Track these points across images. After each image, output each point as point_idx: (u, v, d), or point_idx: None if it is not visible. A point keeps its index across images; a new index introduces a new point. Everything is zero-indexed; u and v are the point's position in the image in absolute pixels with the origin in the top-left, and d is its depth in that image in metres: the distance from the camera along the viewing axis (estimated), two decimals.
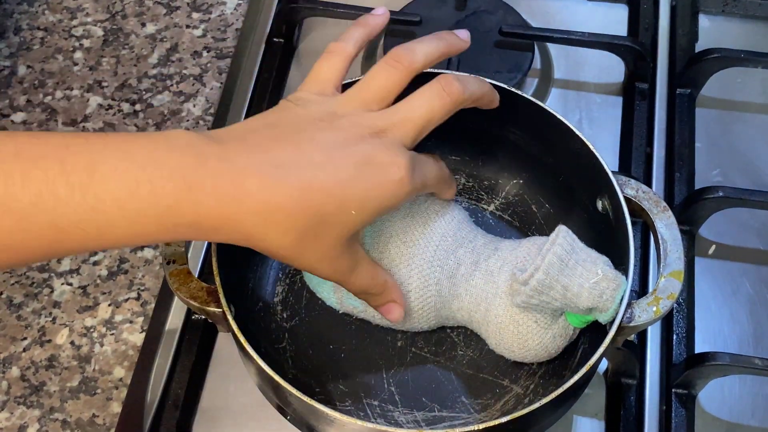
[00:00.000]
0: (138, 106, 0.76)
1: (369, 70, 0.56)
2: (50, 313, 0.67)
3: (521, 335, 0.58)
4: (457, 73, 0.58)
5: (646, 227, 0.68)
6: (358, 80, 0.56)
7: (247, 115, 0.76)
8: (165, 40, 0.80)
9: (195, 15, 0.82)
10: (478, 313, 0.59)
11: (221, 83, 0.78)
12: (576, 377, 0.53)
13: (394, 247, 0.59)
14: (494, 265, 0.59)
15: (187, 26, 0.81)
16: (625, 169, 0.72)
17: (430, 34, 0.59)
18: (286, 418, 0.58)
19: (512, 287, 0.57)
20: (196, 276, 0.59)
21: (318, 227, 0.50)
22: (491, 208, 0.68)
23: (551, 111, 0.62)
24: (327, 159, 0.50)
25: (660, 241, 0.58)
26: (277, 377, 0.53)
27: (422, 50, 0.56)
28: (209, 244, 0.67)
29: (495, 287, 0.58)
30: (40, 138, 0.46)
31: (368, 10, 0.77)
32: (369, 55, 0.79)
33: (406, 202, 0.56)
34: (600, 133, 0.75)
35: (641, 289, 0.67)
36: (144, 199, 0.46)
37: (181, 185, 0.46)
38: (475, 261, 0.59)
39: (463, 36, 0.59)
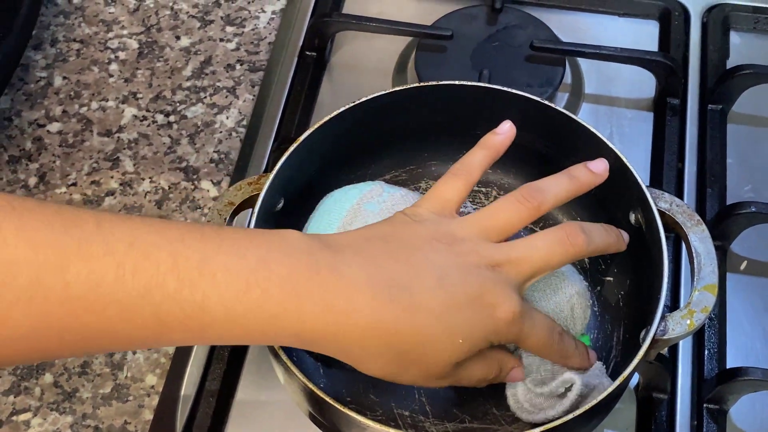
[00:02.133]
0: (172, 118, 0.77)
1: (496, 201, 0.55)
2: None
3: None
4: (584, 223, 0.56)
5: (677, 241, 0.68)
6: None
7: (279, 127, 0.76)
8: (199, 53, 0.81)
9: (229, 29, 0.83)
10: None
11: (254, 96, 0.78)
12: (608, 391, 0.53)
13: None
14: None
15: (221, 40, 0.82)
16: (656, 184, 0.72)
17: (565, 169, 0.57)
18: (318, 426, 0.59)
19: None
20: None
21: (422, 348, 0.49)
22: None
23: (585, 124, 0.62)
24: (439, 284, 0.49)
25: (694, 255, 0.57)
26: (310, 385, 0.53)
27: (553, 192, 0.55)
28: None
29: None
30: (156, 227, 0.45)
31: (401, 24, 0.79)
32: (400, 69, 0.80)
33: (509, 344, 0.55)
34: (631, 148, 0.75)
35: (673, 303, 0.66)
36: (251, 302, 0.45)
37: (290, 293, 0.46)
38: None
39: (600, 169, 0.57)
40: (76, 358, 0.65)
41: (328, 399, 0.52)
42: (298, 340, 0.48)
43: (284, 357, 0.54)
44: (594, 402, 0.53)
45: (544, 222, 0.68)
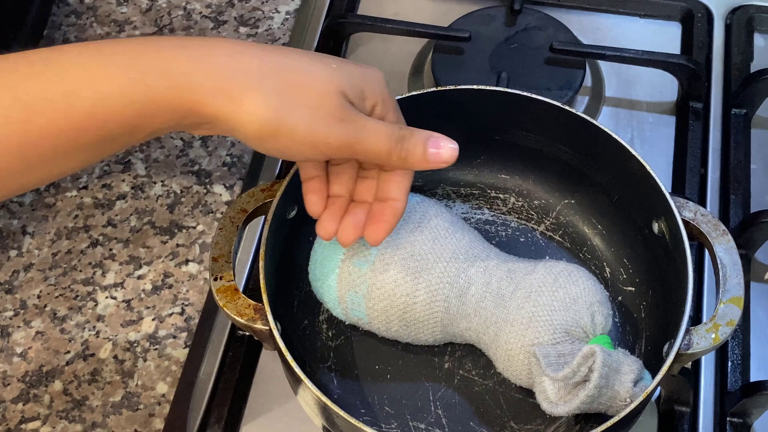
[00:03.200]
0: None
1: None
2: (94, 327, 0.66)
3: (531, 365, 0.57)
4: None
5: (700, 250, 0.67)
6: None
7: None
8: None
9: (242, 29, 0.81)
10: (486, 336, 0.58)
11: None
12: (632, 406, 0.52)
13: (400, 259, 0.58)
14: (506, 289, 0.58)
15: None
16: (678, 190, 0.71)
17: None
18: None
19: (539, 373, 0.55)
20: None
21: (296, 80, 0.48)
22: (541, 228, 0.67)
23: (606, 129, 0.61)
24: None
25: (719, 266, 0.56)
26: (323, 397, 0.52)
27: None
28: (255, 260, 0.66)
29: (506, 312, 0.57)
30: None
31: (418, 26, 0.77)
32: (416, 71, 0.79)
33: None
34: (652, 153, 0.73)
35: (695, 315, 0.65)
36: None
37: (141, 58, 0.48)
38: (486, 282, 0.58)
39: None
40: (83, 361, 0.64)
41: (341, 412, 0.51)
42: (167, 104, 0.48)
43: (297, 369, 0.53)
44: (617, 419, 0.51)
45: (562, 229, 0.67)
